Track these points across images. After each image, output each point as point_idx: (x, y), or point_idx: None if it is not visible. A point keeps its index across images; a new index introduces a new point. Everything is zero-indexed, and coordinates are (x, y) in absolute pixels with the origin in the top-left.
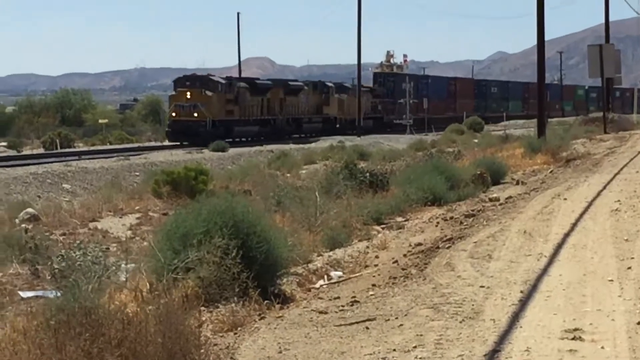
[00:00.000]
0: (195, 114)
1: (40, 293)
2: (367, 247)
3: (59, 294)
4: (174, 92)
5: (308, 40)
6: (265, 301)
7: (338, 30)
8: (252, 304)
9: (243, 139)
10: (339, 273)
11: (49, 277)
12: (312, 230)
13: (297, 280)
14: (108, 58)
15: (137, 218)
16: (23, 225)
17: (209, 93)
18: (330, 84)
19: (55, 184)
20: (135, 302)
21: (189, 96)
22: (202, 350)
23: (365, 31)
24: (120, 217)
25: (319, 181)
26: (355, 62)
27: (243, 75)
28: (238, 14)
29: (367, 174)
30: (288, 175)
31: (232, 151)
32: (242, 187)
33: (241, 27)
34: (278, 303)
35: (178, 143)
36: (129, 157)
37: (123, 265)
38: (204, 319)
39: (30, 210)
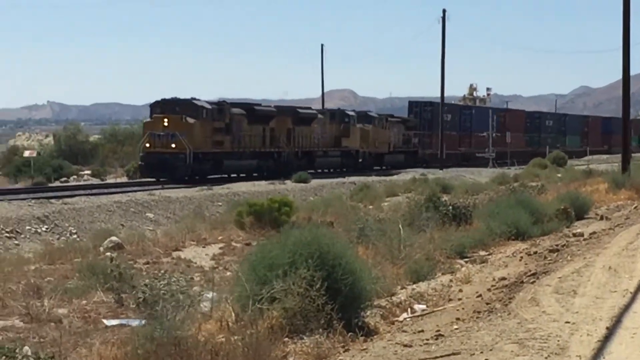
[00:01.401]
0: (173, 145)
1: (124, 321)
2: (451, 280)
3: (143, 323)
4: (149, 119)
5: (391, 72)
6: (350, 333)
7: (422, 62)
8: (336, 336)
9: (235, 175)
10: (423, 306)
11: (134, 306)
12: (395, 262)
13: (381, 312)
14: (191, 88)
15: (220, 248)
16: (108, 254)
17: (190, 120)
18: (351, 113)
19: (139, 212)
20: (222, 332)
21: (166, 123)
22: None
23: (449, 64)
24: (203, 247)
25: (402, 214)
26: (439, 95)
27: (326, 106)
28: (322, 45)
29: (450, 207)
30: (370, 207)
31: (314, 182)
32: (324, 219)
33: (324, 58)
34: (362, 335)
35: (154, 179)
36: (212, 187)
37: (207, 295)
38: (288, 350)
39: (114, 238)
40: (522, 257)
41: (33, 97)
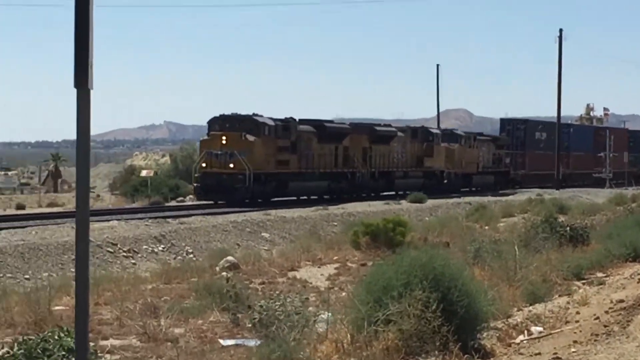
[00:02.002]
0: (232, 165)
1: (240, 341)
2: (568, 302)
3: (259, 343)
4: (206, 137)
5: (507, 92)
6: (466, 355)
7: (539, 82)
8: (452, 358)
9: (304, 197)
10: (540, 328)
11: (249, 326)
12: (511, 284)
13: (497, 334)
14: (307, 108)
15: (336, 268)
16: (224, 274)
17: (250, 138)
18: (435, 131)
19: (255, 232)
20: (337, 354)
21: (224, 141)
22: None
23: (565, 83)
24: (319, 267)
25: (518, 234)
26: (555, 114)
27: (442, 127)
28: (437, 65)
29: (567, 228)
30: (486, 227)
31: (430, 202)
32: (440, 239)
33: (440, 78)
34: (478, 358)
35: (212, 202)
36: (327, 207)
37: (323, 316)
38: None
39: (230, 258)
40: None
41: (150, 117)
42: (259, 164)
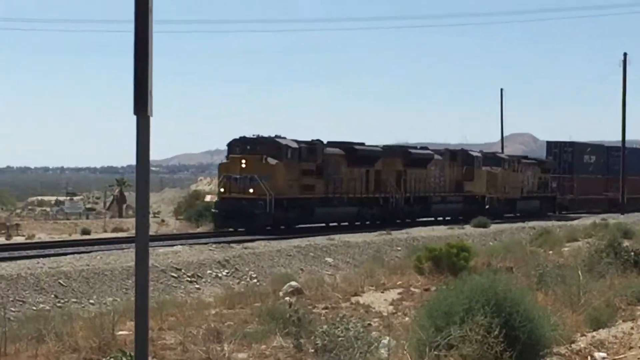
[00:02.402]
0: (252, 190)
1: None
2: (632, 327)
3: None
4: (225, 160)
5: (571, 116)
6: None
7: (603, 106)
8: None
9: (336, 224)
10: (603, 354)
11: (312, 351)
12: (575, 309)
13: None
14: (369, 132)
15: (399, 293)
16: (287, 298)
17: (272, 161)
18: (475, 154)
19: (318, 257)
20: None
21: (244, 165)
22: None
23: (631, 108)
24: (382, 292)
25: (582, 259)
26: (620, 138)
27: (506, 151)
28: (501, 89)
29: (632, 253)
30: (550, 252)
31: (494, 227)
32: (504, 264)
33: (504, 102)
34: None
35: (231, 229)
36: (391, 232)
37: (384, 341)
38: None
39: (293, 283)
40: None
41: (214, 142)
42: (281, 189)
